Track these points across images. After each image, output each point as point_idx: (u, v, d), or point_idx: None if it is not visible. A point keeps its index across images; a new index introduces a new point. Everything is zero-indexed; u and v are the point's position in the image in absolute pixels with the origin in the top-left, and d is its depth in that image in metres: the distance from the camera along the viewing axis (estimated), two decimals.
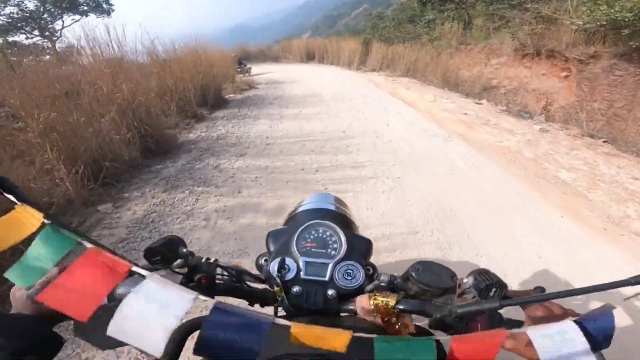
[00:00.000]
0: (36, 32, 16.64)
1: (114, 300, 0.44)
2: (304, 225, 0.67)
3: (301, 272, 0.60)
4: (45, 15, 17.19)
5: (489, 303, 0.41)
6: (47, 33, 16.94)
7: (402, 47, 11.24)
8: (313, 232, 0.67)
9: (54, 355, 0.45)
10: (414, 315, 0.51)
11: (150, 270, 0.37)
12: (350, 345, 0.32)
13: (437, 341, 0.35)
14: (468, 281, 0.50)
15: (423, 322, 0.50)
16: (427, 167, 3.46)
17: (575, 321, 0.33)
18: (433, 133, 4.60)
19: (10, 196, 0.41)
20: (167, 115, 4.89)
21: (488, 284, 0.48)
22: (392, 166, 3.50)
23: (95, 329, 0.42)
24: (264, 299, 0.61)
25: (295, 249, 0.64)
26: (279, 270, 0.59)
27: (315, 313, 0.58)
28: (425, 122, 5.18)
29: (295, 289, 0.58)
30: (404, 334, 0.49)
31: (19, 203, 0.41)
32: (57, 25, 17.66)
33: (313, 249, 0.64)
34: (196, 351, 0.31)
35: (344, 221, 0.83)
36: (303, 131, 4.78)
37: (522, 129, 4.77)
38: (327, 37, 15.62)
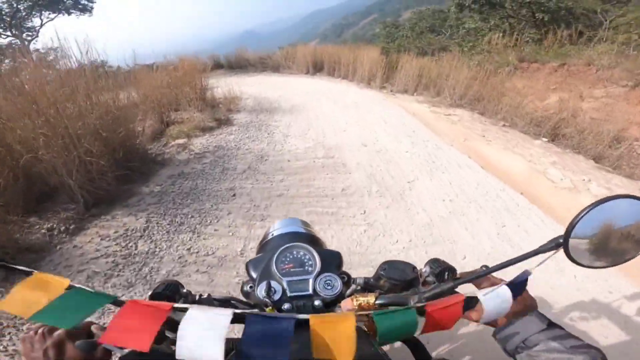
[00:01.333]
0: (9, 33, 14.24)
1: (164, 339, 0.54)
2: (279, 250, 0.73)
3: (287, 291, 0.66)
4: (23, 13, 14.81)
5: (446, 284, 0.55)
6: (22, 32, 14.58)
7: (427, 60, 8.58)
8: (288, 254, 0.73)
9: None
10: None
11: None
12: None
13: (416, 309, 0.47)
14: (426, 270, 0.66)
15: None
16: None
17: (506, 284, 0.50)
18: None
19: (22, 267, 0.44)
20: None
21: (441, 269, 0.64)
22: None
23: None
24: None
25: (277, 271, 0.69)
26: (267, 293, 0.64)
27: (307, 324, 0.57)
28: None
29: (286, 306, 0.64)
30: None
31: (35, 271, 0.44)
32: (33, 22, 15.28)
33: (292, 269, 0.70)
34: (243, 348, 0.38)
35: (313, 240, 0.87)
36: None
37: None
38: (337, 45, 13.01)
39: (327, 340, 0.40)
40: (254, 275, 0.71)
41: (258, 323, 0.40)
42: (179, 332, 0.37)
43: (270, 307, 0.63)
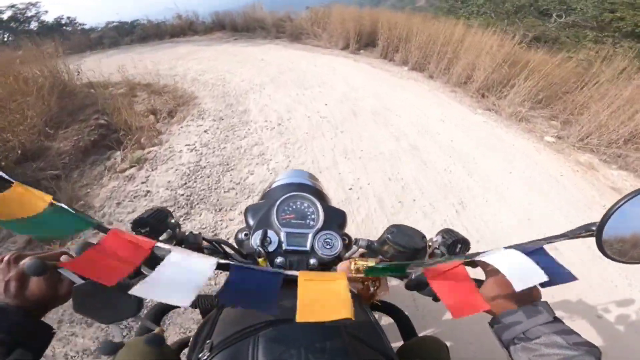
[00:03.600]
0: None
1: (140, 274, 0.49)
2: (283, 198, 0.68)
3: (283, 244, 0.62)
4: None
5: (457, 257, 0.48)
6: None
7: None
8: (291, 204, 0.69)
9: (45, 347, 0.44)
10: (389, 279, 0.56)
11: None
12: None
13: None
14: (437, 240, 0.60)
15: (399, 283, 0.56)
16: None
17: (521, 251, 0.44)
18: None
19: (2, 174, 0.43)
20: None
21: (454, 240, 0.58)
22: None
23: (97, 304, 0.43)
24: None
25: (276, 220, 0.65)
26: (261, 242, 0.60)
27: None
28: None
29: (279, 259, 0.60)
30: (380, 297, 0.56)
31: (14, 182, 0.42)
32: None
33: (293, 220, 0.66)
34: (221, 298, 0.36)
35: (319, 194, 0.79)
36: None
37: None
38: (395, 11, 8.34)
39: (314, 300, 0.36)
40: (251, 222, 0.67)
41: (242, 274, 0.37)
42: (153, 273, 0.35)
43: (263, 259, 0.58)
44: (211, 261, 0.37)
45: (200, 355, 0.44)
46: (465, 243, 0.58)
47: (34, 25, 10.89)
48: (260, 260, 0.58)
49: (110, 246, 0.38)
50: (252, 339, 0.40)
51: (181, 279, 0.35)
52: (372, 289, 0.54)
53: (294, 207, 0.69)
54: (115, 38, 9.27)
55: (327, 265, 0.61)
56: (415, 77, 5.24)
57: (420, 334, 0.67)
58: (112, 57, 6.88)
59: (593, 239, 0.41)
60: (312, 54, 6.64)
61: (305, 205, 0.69)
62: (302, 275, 0.38)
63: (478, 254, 0.46)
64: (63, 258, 0.48)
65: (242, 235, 0.66)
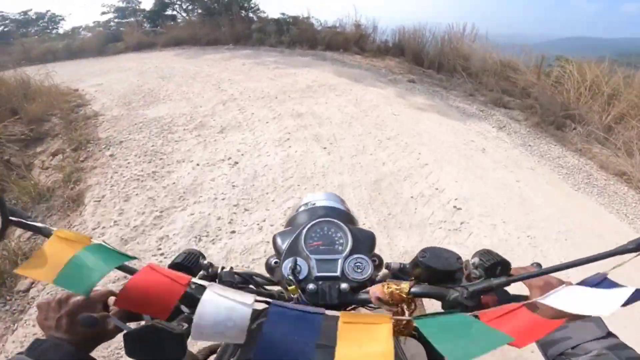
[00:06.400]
0: None
1: (179, 312, 0.52)
2: (310, 225, 0.68)
3: (313, 270, 0.62)
4: None
5: (497, 280, 0.47)
6: None
7: None
8: (318, 230, 0.68)
9: None
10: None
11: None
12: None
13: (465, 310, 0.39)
14: (474, 261, 0.56)
15: (435, 306, 0.53)
16: None
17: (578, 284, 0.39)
18: None
19: (38, 224, 0.45)
20: None
21: (494, 262, 0.53)
22: None
23: (148, 348, 0.44)
24: (281, 299, 0.61)
25: (305, 248, 0.65)
26: (292, 271, 0.61)
27: (331, 307, 0.56)
28: None
29: (311, 286, 0.59)
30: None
31: (54, 229, 0.43)
32: None
33: (321, 247, 0.66)
34: (258, 353, 0.34)
35: (346, 217, 0.79)
36: None
37: None
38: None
39: (354, 343, 0.34)
40: (280, 249, 0.67)
41: (281, 316, 0.36)
42: (197, 312, 0.36)
43: (293, 287, 0.58)
44: (249, 299, 0.37)
45: None
46: (505, 265, 0.54)
47: None
48: (291, 288, 0.58)
49: (146, 281, 0.38)
50: None
51: (225, 316, 0.35)
52: (407, 312, 0.50)
53: (321, 233, 0.68)
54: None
55: (359, 288, 0.60)
56: None
57: None
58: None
59: None
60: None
61: (333, 230, 0.68)
62: (343, 317, 0.36)
63: (520, 278, 0.46)
64: (110, 300, 0.53)
65: (272, 263, 0.66)
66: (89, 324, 0.47)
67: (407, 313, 0.50)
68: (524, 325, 0.37)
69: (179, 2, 11.02)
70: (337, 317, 0.35)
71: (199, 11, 10.53)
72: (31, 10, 12.31)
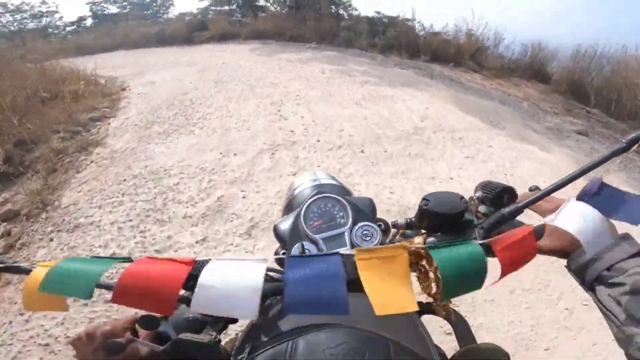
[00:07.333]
0: None
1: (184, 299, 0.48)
2: (305, 205, 0.65)
3: (323, 250, 0.61)
4: None
5: (508, 209, 0.47)
6: None
7: None
8: (315, 208, 0.66)
9: None
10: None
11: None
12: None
13: (480, 244, 0.38)
14: (478, 195, 0.55)
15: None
16: None
17: (576, 199, 0.42)
18: None
19: (23, 264, 0.45)
20: None
21: (498, 191, 0.52)
22: None
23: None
24: None
25: (307, 230, 0.63)
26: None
27: (350, 282, 0.49)
28: None
29: None
30: (433, 276, 0.51)
31: (34, 267, 0.41)
32: None
33: (323, 225, 0.64)
34: (288, 309, 0.33)
35: (339, 189, 0.77)
36: None
37: None
38: None
39: (377, 278, 0.35)
40: (285, 238, 0.65)
41: (300, 265, 0.36)
42: (199, 281, 0.34)
43: None
44: (260, 263, 0.35)
45: (239, 358, 0.44)
46: (510, 192, 0.53)
47: None
48: None
49: (143, 269, 0.35)
50: (290, 344, 0.39)
51: (234, 287, 0.33)
52: (434, 288, 0.49)
53: (319, 211, 0.65)
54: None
55: None
56: None
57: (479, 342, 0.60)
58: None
59: None
60: None
61: (330, 205, 0.65)
62: (359, 254, 0.36)
63: (528, 203, 0.46)
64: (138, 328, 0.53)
65: (281, 254, 0.62)
66: (114, 350, 0.45)
67: (434, 289, 0.49)
68: (531, 255, 0.39)
69: None
70: (352, 256, 0.36)
71: (287, 3, 9.72)
72: None
